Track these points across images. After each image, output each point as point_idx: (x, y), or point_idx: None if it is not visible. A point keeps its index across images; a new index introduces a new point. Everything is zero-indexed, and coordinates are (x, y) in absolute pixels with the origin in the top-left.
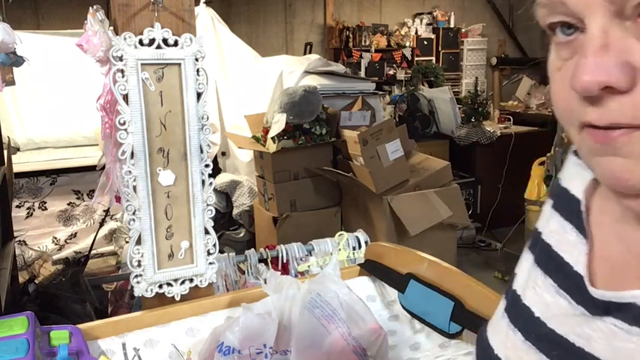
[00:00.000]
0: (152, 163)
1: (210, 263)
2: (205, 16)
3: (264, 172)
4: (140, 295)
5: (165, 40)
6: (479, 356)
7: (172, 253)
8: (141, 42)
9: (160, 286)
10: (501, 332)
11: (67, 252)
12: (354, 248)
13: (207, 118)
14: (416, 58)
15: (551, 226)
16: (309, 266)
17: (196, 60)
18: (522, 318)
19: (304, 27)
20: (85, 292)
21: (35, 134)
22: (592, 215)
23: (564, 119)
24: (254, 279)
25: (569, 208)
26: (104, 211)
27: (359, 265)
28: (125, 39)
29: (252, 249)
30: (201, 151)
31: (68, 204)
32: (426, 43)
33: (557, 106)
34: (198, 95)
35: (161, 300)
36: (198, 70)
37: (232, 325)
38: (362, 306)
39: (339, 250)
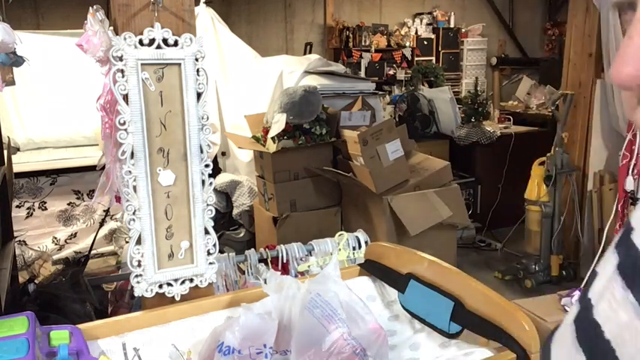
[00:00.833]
0: (152, 163)
1: (210, 263)
2: (205, 16)
3: (264, 172)
4: (140, 295)
5: (165, 40)
6: None
7: (172, 253)
8: (141, 42)
9: (160, 286)
10: (565, 348)
11: (67, 252)
12: (354, 248)
13: (207, 118)
14: (416, 58)
15: None
16: (309, 266)
17: (196, 60)
18: (590, 337)
19: (304, 27)
20: (85, 292)
21: (35, 134)
22: None
23: (627, 115)
24: (254, 279)
25: None
26: (104, 211)
27: (359, 265)
28: (125, 39)
29: (252, 249)
30: (201, 151)
31: (68, 204)
32: (426, 43)
33: (623, 101)
34: (198, 95)
35: (161, 300)
36: (198, 70)
37: (232, 325)
38: (362, 306)
39: (339, 250)
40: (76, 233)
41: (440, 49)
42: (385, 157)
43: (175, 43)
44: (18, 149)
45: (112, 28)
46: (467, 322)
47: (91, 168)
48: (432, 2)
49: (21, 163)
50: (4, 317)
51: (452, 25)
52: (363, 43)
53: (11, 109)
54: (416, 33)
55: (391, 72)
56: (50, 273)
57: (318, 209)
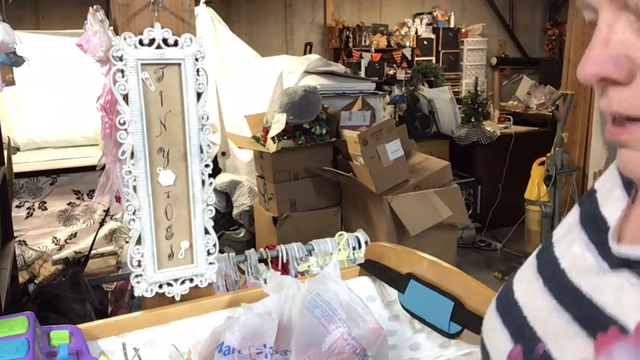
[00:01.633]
0: (152, 163)
1: (210, 263)
2: (205, 16)
3: (264, 172)
4: (140, 295)
5: (165, 40)
6: (500, 296)
7: (172, 253)
8: (141, 42)
9: (160, 286)
10: (526, 277)
11: (67, 252)
12: (354, 248)
13: (207, 118)
14: (416, 58)
15: (606, 185)
16: (309, 266)
17: (196, 60)
18: (548, 267)
19: (304, 27)
20: (85, 292)
21: (35, 134)
22: None
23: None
24: (254, 279)
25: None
26: (104, 211)
27: (359, 265)
28: (125, 39)
29: (252, 249)
30: (201, 151)
31: (68, 204)
32: (426, 43)
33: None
34: (198, 95)
35: (161, 300)
36: (198, 70)
37: (232, 325)
38: (362, 306)
39: (339, 250)
40: (76, 233)
41: (440, 49)
42: (385, 157)
43: (175, 43)
44: (18, 149)
45: (112, 28)
46: (467, 322)
47: (91, 168)
48: (432, 2)
49: (21, 163)
50: (4, 317)
51: (452, 25)
52: (363, 43)
53: (11, 109)
54: (416, 33)
55: (391, 72)
56: (50, 273)
57: (318, 209)
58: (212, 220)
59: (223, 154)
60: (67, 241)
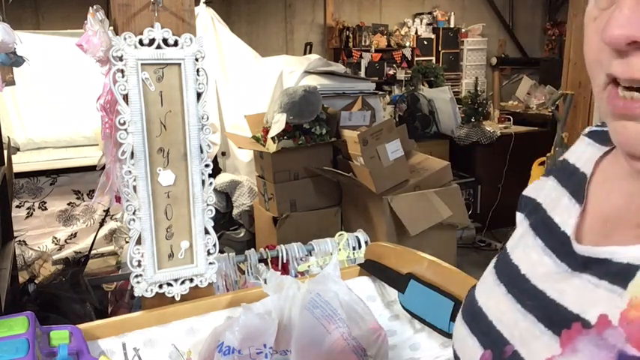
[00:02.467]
0: (152, 163)
1: (210, 263)
2: (205, 16)
3: (264, 172)
4: (140, 295)
5: (165, 40)
6: (464, 307)
7: (172, 253)
8: (141, 42)
9: (160, 286)
10: (487, 286)
11: (67, 252)
12: (354, 248)
13: (207, 118)
14: (416, 58)
15: (551, 195)
16: (309, 266)
17: (196, 60)
18: (508, 274)
19: (304, 27)
20: (85, 292)
21: (35, 134)
22: (594, 180)
23: (591, 71)
24: (254, 279)
25: (570, 177)
26: (104, 211)
27: (359, 265)
28: (125, 39)
29: (252, 249)
30: (201, 151)
31: (68, 204)
32: (426, 43)
33: (587, 57)
34: (198, 95)
35: (161, 300)
36: (198, 70)
37: (232, 325)
38: (362, 306)
39: (339, 250)
40: (76, 233)
41: (440, 49)
42: (385, 157)
43: (175, 43)
44: (18, 149)
45: (112, 28)
46: None
47: (91, 168)
48: (432, 2)
49: (21, 163)
50: (4, 317)
51: (452, 25)
52: (363, 43)
53: (11, 109)
54: (416, 33)
55: (391, 72)
56: (50, 273)
57: (318, 209)
58: (212, 220)
59: (223, 154)
60: (67, 241)
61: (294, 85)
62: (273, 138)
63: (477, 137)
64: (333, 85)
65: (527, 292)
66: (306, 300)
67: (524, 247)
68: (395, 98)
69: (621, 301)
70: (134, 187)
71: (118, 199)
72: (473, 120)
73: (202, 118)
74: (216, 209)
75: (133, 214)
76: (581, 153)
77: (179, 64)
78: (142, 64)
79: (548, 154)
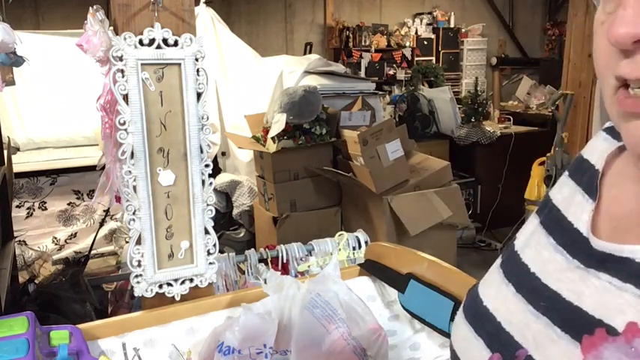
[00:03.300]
0: (152, 163)
1: (210, 263)
2: (205, 16)
3: (264, 172)
4: (140, 295)
5: (165, 40)
6: (466, 306)
7: (172, 253)
8: (141, 42)
9: (160, 286)
10: (493, 285)
11: (67, 252)
12: (354, 248)
13: (207, 118)
14: (416, 58)
15: (563, 192)
16: (309, 266)
17: (196, 60)
18: (517, 273)
19: (304, 27)
20: (85, 292)
21: (35, 134)
22: (607, 177)
23: (601, 77)
24: (254, 279)
25: (584, 174)
26: (104, 211)
27: (359, 265)
28: (125, 39)
29: (252, 249)
30: (201, 151)
31: (68, 204)
32: (426, 43)
33: (597, 62)
34: (198, 95)
35: (161, 300)
36: (198, 70)
37: (232, 325)
38: (362, 306)
39: (339, 250)
40: (76, 233)
41: (440, 49)
42: (385, 157)
43: (175, 43)
44: (18, 149)
45: (112, 28)
46: None
47: (91, 168)
48: (432, 2)
49: (21, 163)
50: (4, 317)
51: (452, 25)
52: (363, 43)
53: (11, 109)
54: (416, 33)
55: (391, 72)
56: (50, 273)
57: (318, 209)
58: (212, 220)
59: (223, 154)
60: (67, 241)
61: (294, 85)
62: (273, 138)
63: (477, 137)
64: (333, 85)
65: (538, 291)
66: (306, 300)
67: (535, 245)
68: (395, 98)
69: None
70: (134, 187)
71: (118, 199)
72: (473, 120)
73: (202, 118)
74: (216, 209)
75: (133, 214)
76: (596, 148)
77: (179, 64)
78: (142, 64)
79: (548, 154)
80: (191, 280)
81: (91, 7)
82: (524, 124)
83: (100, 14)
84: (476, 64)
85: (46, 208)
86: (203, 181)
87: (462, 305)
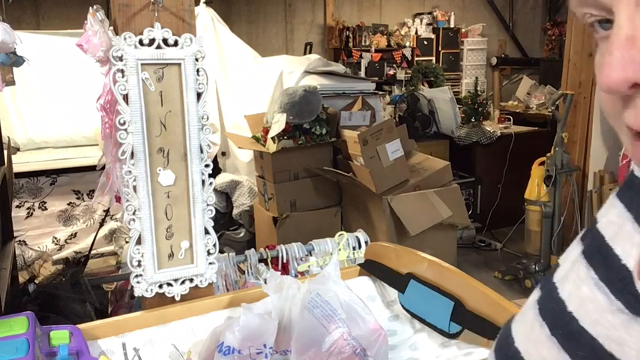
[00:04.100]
0: (152, 163)
1: (210, 263)
2: (205, 16)
3: (264, 172)
4: (140, 295)
5: (165, 40)
6: (498, 345)
7: (172, 253)
8: (141, 42)
9: (160, 286)
10: (527, 323)
11: (67, 252)
12: (354, 248)
13: (207, 118)
14: (416, 58)
15: (610, 216)
16: (309, 266)
17: (196, 60)
18: (553, 311)
19: (304, 27)
20: (85, 292)
21: (35, 134)
22: None
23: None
24: (254, 279)
25: (635, 197)
26: (104, 211)
27: (359, 265)
28: (125, 39)
29: (252, 249)
30: (201, 151)
31: (68, 204)
32: (426, 43)
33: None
34: (198, 95)
35: (161, 300)
36: (198, 70)
37: (232, 325)
38: (362, 306)
39: (339, 250)
40: (76, 233)
41: (440, 49)
42: (385, 157)
43: (175, 43)
44: (18, 149)
45: (112, 28)
46: (467, 322)
47: (91, 168)
48: (432, 2)
49: (21, 163)
50: (4, 317)
51: (452, 25)
52: (363, 43)
53: (11, 109)
54: (416, 33)
55: (391, 72)
56: (50, 273)
57: (318, 209)
58: (212, 220)
59: (223, 154)
60: (67, 241)
61: (294, 85)
62: (273, 138)
63: (477, 137)
64: (333, 85)
65: (575, 336)
66: (306, 300)
67: (574, 279)
68: (395, 98)
69: None
70: (134, 187)
71: (118, 199)
72: (473, 120)
73: (202, 118)
74: (216, 209)
75: (133, 214)
76: None
77: (179, 64)
78: (142, 64)
79: (548, 154)
80: (191, 280)
81: (91, 7)
82: (524, 124)
83: (100, 14)
84: (476, 64)
85: (46, 208)
86: (203, 181)
87: (495, 341)
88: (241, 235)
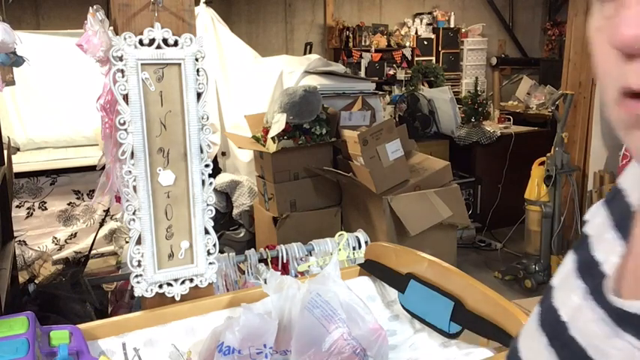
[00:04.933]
0: (152, 163)
1: (210, 263)
2: (205, 16)
3: (264, 172)
4: (140, 295)
5: (165, 40)
6: (508, 356)
7: (172, 253)
8: (141, 42)
9: (160, 286)
10: (530, 334)
11: (67, 252)
12: (354, 248)
13: (207, 118)
14: (416, 58)
15: (596, 220)
16: (309, 266)
17: (196, 60)
18: (550, 321)
19: (304, 27)
20: (85, 292)
21: (35, 134)
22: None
23: (602, 87)
24: (254, 279)
25: (618, 206)
26: (104, 211)
27: (359, 265)
28: (125, 39)
29: (252, 249)
30: (201, 151)
31: (68, 204)
32: (426, 43)
33: (597, 72)
34: (198, 95)
35: (161, 300)
36: (198, 70)
37: (232, 325)
38: (362, 306)
39: (339, 250)
40: (76, 233)
41: (440, 49)
42: (385, 157)
43: (175, 43)
44: (18, 149)
45: (112, 28)
46: (467, 322)
47: (91, 168)
48: (432, 2)
49: (21, 163)
50: (4, 317)
51: (452, 25)
52: (363, 43)
53: (11, 109)
54: (416, 33)
55: (391, 72)
56: (50, 273)
57: (318, 209)
58: (212, 220)
59: (223, 154)
60: (67, 241)
61: (294, 85)
62: (273, 138)
63: (477, 137)
64: (333, 85)
65: (568, 346)
66: (306, 300)
67: (568, 286)
68: (395, 98)
69: None
70: (134, 187)
71: (118, 199)
72: (473, 120)
73: (202, 118)
74: (216, 209)
75: (133, 214)
76: (632, 176)
77: (179, 64)
78: (142, 64)
79: (548, 154)
80: (191, 280)
81: (91, 7)
82: (524, 124)
83: (100, 14)
84: (476, 64)
85: (46, 208)
86: (203, 181)
87: (506, 356)
88: (241, 235)
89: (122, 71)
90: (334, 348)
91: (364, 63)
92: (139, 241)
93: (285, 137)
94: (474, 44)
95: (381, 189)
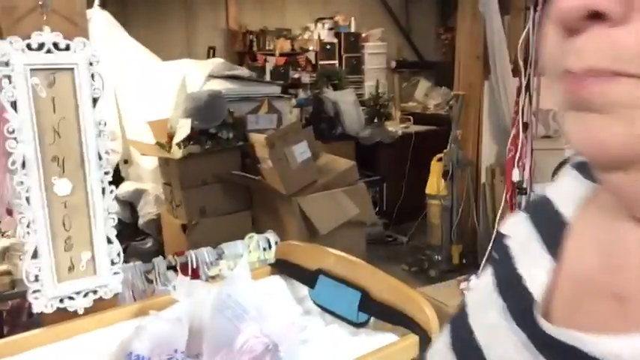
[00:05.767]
0: (46, 172)
1: (114, 273)
2: (100, 20)
3: (170, 179)
4: (40, 311)
5: (56, 45)
6: None
7: (73, 265)
8: (29, 46)
9: (61, 301)
10: (438, 355)
11: None
12: (264, 249)
13: (105, 124)
14: (320, 62)
15: (518, 232)
16: (220, 270)
17: (91, 64)
18: (462, 342)
19: (207, 30)
20: None
21: None
22: (575, 225)
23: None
24: (163, 287)
25: (545, 216)
26: None
27: (270, 264)
28: (11, 43)
29: (160, 256)
30: (100, 159)
31: None
32: (328, 47)
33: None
34: (94, 101)
35: (63, 315)
36: (93, 75)
37: (140, 334)
38: (273, 304)
39: (250, 251)
40: None
41: (342, 53)
42: (293, 159)
43: (67, 48)
44: None
45: None
46: (374, 310)
47: None
48: (334, 7)
49: None
50: None
51: (353, 30)
52: (267, 47)
53: None
54: (319, 37)
55: (296, 75)
56: None
57: (229, 214)
58: (115, 228)
59: (125, 161)
60: None
61: (198, 89)
62: (178, 144)
63: (381, 137)
64: (238, 89)
65: None
66: (217, 302)
67: (485, 304)
68: (301, 101)
69: None
70: (27, 199)
71: (10, 212)
72: (376, 121)
73: (99, 124)
74: (119, 220)
75: (27, 226)
76: (563, 188)
77: (72, 69)
78: (31, 70)
79: (445, 151)
80: (95, 292)
81: None
82: (423, 123)
83: None
84: (377, 67)
85: None
86: (103, 189)
87: None
88: (149, 245)
89: (9, 77)
90: (246, 346)
91: (269, 67)
92: (35, 255)
93: (191, 142)
94: (374, 48)
95: (290, 190)
